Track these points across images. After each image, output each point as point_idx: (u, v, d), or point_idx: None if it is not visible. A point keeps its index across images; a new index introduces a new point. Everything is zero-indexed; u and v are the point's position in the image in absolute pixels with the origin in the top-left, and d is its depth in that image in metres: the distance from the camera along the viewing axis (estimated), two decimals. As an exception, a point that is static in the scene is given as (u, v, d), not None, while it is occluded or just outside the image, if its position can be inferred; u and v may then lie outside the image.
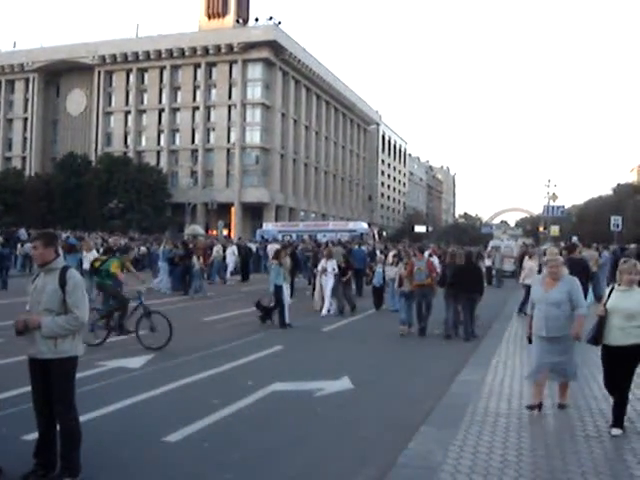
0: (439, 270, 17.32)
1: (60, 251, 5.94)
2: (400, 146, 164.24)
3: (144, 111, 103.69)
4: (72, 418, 5.52)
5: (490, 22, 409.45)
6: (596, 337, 7.11)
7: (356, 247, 28.38)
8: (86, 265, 21.73)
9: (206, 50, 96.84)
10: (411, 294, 15.78)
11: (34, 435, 5.70)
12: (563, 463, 5.95)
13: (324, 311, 18.93)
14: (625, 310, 6.89)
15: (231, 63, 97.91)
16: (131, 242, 35.78)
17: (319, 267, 19.70)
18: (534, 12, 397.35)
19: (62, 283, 5.43)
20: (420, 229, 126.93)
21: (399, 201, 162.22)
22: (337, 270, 19.02)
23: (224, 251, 30.02)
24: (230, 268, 28.47)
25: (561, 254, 16.56)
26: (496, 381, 9.56)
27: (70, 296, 5.41)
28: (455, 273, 15.32)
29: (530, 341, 8.12)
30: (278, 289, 16.37)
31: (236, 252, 27.61)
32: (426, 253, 23.43)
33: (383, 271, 20.47)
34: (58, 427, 5.52)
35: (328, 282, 19.08)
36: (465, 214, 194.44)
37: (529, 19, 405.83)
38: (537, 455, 6.17)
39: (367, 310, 20.10)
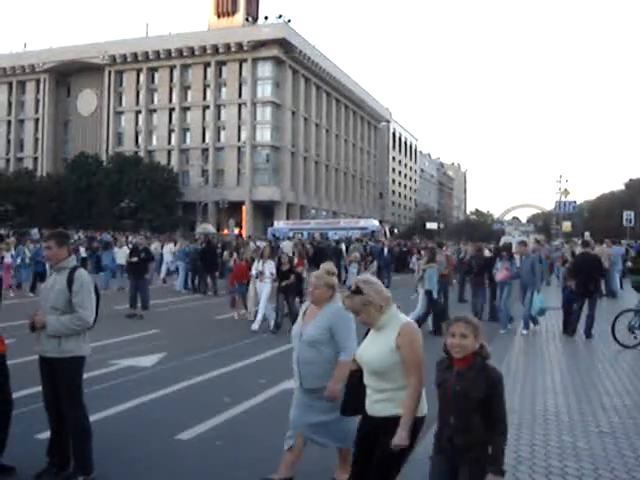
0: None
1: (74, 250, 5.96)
2: (411, 143, 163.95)
3: (154, 110, 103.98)
4: (81, 416, 5.54)
5: (501, 18, 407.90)
6: (351, 402, 4.46)
7: (371, 244, 29.58)
8: (119, 260, 24.24)
9: (216, 49, 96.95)
10: None
11: (47, 434, 5.73)
12: (576, 460, 5.92)
13: (255, 325, 14.97)
14: (368, 364, 4.19)
15: (241, 62, 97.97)
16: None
17: (253, 270, 16.15)
18: (545, 8, 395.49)
19: (69, 282, 5.45)
20: (431, 226, 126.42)
21: (410, 198, 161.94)
22: (275, 274, 15.38)
23: (162, 248, 29.56)
24: (165, 268, 27.53)
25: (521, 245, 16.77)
26: (508, 378, 9.51)
27: (76, 296, 5.43)
28: (480, 264, 17.76)
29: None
30: (429, 294, 15.03)
31: (173, 250, 26.79)
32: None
33: (358, 272, 18.87)
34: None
35: (264, 288, 15.53)
36: (476, 210, 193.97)
37: (540, 15, 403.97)
38: (550, 452, 6.14)
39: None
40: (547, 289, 27.06)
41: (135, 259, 17.95)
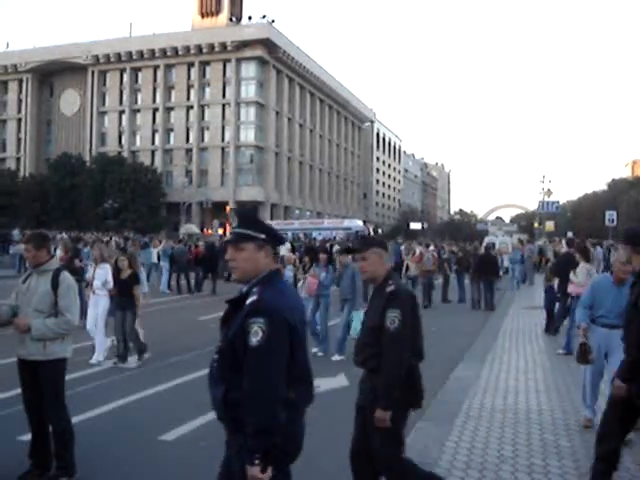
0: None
1: (52, 252, 5.90)
2: (395, 143, 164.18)
3: (138, 111, 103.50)
4: (63, 418, 5.52)
5: (483, 18, 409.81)
6: None
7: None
8: (154, 259, 25.96)
9: (199, 49, 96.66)
10: (416, 278, 21.16)
11: (29, 435, 5.69)
12: (558, 458, 5.96)
13: (95, 356, 10.94)
14: None
15: (225, 62, 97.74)
16: (126, 242, 35.75)
17: (87, 278, 12.24)
18: (526, 9, 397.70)
19: (54, 285, 5.41)
20: (415, 226, 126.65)
21: (394, 198, 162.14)
22: (112, 284, 11.18)
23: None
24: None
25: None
26: (492, 377, 9.57)
27: (62, 299, 5.39)
28: (478, 261, 21.00)
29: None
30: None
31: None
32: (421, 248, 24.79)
33: (295, 275, 16.36)
34: (50, 427, 5.51)
35: (98, 304, 11.31)
36: (460, 211, 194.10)
37: (522, 15, 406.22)
38: (533, 450, 6.18)
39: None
40: (530, 288, 27.25)
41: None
